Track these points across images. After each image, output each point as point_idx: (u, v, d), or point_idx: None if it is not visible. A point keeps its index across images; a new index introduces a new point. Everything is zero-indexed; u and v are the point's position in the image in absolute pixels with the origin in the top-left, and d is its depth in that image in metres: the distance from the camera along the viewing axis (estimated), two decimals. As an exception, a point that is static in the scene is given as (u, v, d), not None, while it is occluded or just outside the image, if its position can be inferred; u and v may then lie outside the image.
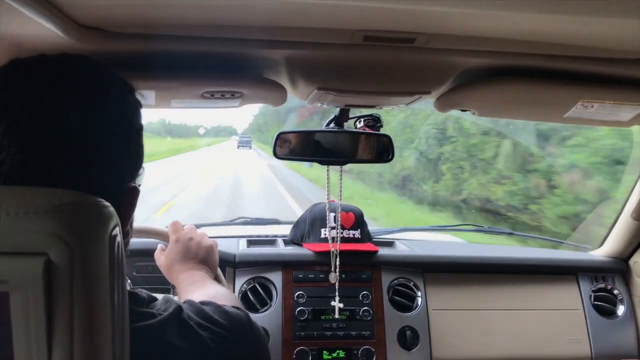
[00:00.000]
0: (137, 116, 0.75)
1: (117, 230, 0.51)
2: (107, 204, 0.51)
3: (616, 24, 0.85)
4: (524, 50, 1.02)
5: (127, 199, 0.74)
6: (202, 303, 0.84)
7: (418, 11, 0.84)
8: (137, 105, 0.76)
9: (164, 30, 0.95)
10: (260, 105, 1.30)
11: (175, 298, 0.88)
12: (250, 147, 44.30)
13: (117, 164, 0.71)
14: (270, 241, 1.94)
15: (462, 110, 1.29)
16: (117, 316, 0.50)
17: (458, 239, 2.43)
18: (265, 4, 0.84)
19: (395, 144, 1.48)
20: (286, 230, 1.97)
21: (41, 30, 0.81)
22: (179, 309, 0.75)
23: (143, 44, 0.97)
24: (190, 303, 0.82)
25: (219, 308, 0.83)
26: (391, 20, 0.89)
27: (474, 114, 1.30)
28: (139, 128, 0.76)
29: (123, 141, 0.72)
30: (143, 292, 0.78)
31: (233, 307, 0.85)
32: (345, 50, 1.01)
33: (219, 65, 1.07)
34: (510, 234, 2.24)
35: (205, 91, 1.13)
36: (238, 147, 46.37)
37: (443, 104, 1.25)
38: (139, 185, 0.78)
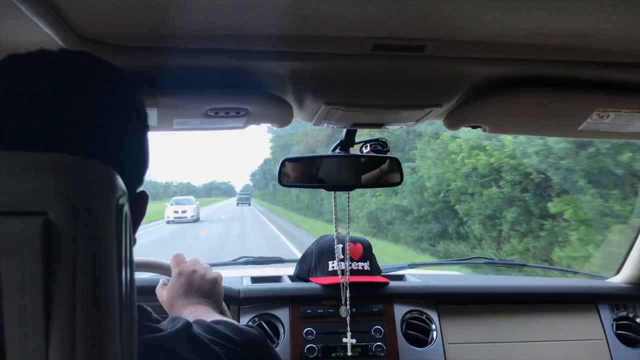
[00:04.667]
0: (145, 114, 0.71)
1: (125, 200, 0.45)
2: (113, 170, 0.46)
3: (632, 23, 0.82)
4: (537, 56, 0.99)
5: (135, 205, 0.68)
6: (214, 322, 0.77)
7: (428, 16, 0.82)
8: (144, 104, 0.71)
9: (167, 43, 0.92)
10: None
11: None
12: (249, 204, 45.75)
13: (126, 166, 0.65)
14: (275, 278, 1.86)
15: (473, 127, 1.26)
16: (125, 294, 0.43)
17: (466, 274, 2.36)
18: (271, 12, 0.82)
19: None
20: (290, 269, 1.90)
21: (41, 39, 0.78)
22: (188, 324, 0.68)
23: (146, 58, 0.94)
24: (200, 322, 0.75)
25: (231, 325, 0.76)
26: (401, 26, 0.86)
27: (484, 130, 1.26)
28: (147, 127, 0.71)
29: (133, 141, 0.67)
30: (149, 308, 0.71)
31: (246, 325, 0.78)
32: (354, 60, 0.98)
33: (223, 80, 1.04)
34: (522, 265, 2.16)
35: (210, 108, 1.09)
36: (237, 204, 48.47)
37: (453, 120, 1.22)
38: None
